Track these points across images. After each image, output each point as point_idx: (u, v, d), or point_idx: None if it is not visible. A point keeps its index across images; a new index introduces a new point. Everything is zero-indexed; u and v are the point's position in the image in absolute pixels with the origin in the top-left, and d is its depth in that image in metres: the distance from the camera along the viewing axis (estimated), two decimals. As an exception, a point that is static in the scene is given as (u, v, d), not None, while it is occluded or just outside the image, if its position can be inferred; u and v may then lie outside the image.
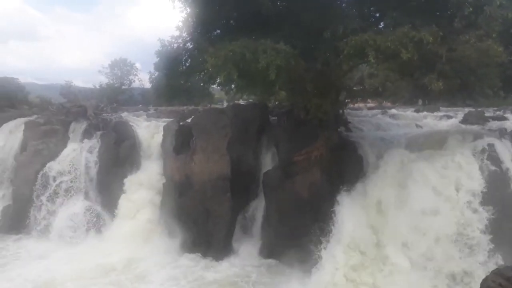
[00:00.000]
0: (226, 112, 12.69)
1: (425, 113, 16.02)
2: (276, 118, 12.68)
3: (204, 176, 11.80)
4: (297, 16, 9.86)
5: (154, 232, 12.30)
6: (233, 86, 11.13)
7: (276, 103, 14.34)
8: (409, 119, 14.77)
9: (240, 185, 11.69)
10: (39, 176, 13.61)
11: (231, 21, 10.76)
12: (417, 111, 17.03)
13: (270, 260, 10.76)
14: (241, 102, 17.66)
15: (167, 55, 11.27)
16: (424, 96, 15.81)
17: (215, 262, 10.90)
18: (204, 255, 11.18)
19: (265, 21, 9.99)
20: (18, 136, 15.12)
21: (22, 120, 15.96)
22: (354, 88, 12.36)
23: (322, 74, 10.14)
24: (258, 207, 11.58)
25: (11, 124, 16.11)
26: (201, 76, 11.71)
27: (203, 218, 11.55)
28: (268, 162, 11.88)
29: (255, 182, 11.88)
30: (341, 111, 11.59)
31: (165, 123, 14.05)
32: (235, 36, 9.06)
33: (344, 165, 10.13)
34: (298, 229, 10.12)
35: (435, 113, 15.86)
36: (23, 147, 14.71)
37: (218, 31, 11.04)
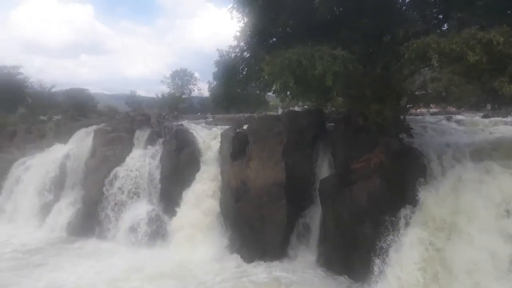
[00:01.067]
0: (282, 119, 12.73)
1: (495, 118, 14.93)
2: (333, 124, 12.49)
3: (259, 182, 11.89)
4: (355, 21, 9.70)
5: (211, 236, 12.57)
6: (288, 93, 11.17)
7: (333, 109, 14.13)
8: (477, 125, 13.83)
9: (296, 192, 11.64)
10: (106, 180, 14.48)
11: (287, 29, 10.83)
12: (485, 116, 15.92)
13: (326, 269, 10.53)
14: (296, 108, 17.63)
15: (225, 65, 11.59)
16: (493, 101, 14.78)
17: (271, 268, 10.88)
18: (260, 260, 11.23)
19: (321, 27, 9.94)
20: (88, 143, 16.24)
21: (92, 128, 17.15)
22: (416, 92, 11.84)
23: (382, 79, 9.86)
24: (314, 215, 11.43)
25: (82, 131, 17.39)
26: (257, 84, 11.90)
27: (259, 224, 11.62)
28: (324, 169, 11.69)
29: (311, 189, 11.74)
30: (402, 116, 11.16)
31: (222, 130, 14.39)
32: (291, 44, 9.12)
33: (405, 174, 9.68)
34: (356, 239, 9.83)
35: (506, 119, 14.74)
36: (93, 153, 15.76)
37: (274, 39, 11.18)
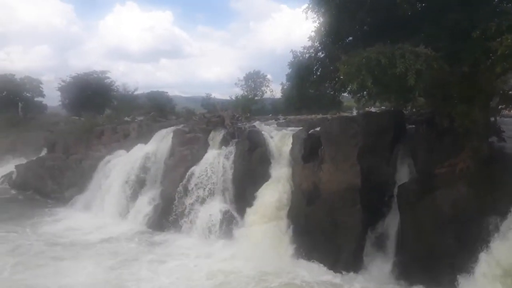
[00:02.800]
0: (357, 120, 12.27)
1: None
2: (414, 126, 11.78)
3: (332, 185, 11.59)
4: (440, 16, 9.05)
5: (282, 239, 12.49)
6: (365, 93, 10.74)
7: (413, 110, 13.32)
8: None
9: (372, 197, 11.13)
10: (184, 178, 15.15)
11: (365, 27, 10.42)
12: None
13: (403, 281, 9.92)
14: (373, 109, 16.93)
15: (299, 66, 11.54)
16: None
17: (343, 277, 10.55)
18: (332, 267, 10.92)
19: (402, 24, 9.42)
20: (168, 142, 17.13)
21: (171, 128, 18.05)
22: (510, 92, 10.74)
23: (470, 78, 9.08)
24: (391, 223, 10.81)
25: (162, 132, 18.37)
26: (332, 84, 11.63)
27: (331, 229, 11.32)
28: (404, 174, 11.02)
29: (388, 195, 11.14)
30: (492, 118, 10.19)
31: (294, 132, 14.29)
32: (369, 42, 8.76)
33: (496, 181, 8.81)
34: (438, 250, 9.17)
35: None
36: (172, 153, 16.62)
37: (351, 38, 10.84)
